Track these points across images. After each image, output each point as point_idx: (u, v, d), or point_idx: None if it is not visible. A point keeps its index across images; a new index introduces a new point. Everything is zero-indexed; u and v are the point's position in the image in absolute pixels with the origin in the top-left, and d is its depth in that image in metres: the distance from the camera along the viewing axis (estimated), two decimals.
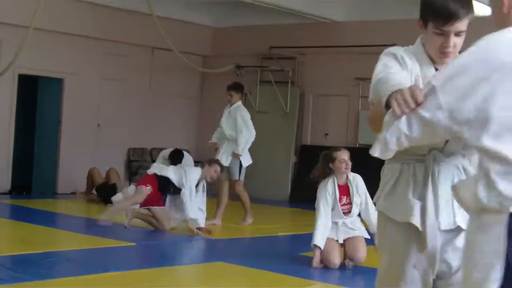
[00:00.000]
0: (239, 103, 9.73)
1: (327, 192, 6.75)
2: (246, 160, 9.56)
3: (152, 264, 6.73)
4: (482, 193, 2.12)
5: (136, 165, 13.75)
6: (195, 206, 8.60)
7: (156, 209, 8.69)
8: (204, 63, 14.87)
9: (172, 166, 9.16)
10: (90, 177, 11.41)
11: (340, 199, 6.80)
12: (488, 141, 2.09)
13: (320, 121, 13.61)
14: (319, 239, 6.65)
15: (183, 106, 14.69)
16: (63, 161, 12.79)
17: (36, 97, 13.14)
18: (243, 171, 9.55)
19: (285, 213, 12.30)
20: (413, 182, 2.93)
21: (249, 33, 14.26)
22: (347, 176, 6.87)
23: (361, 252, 6.73)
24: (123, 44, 13.36)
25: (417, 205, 2.90)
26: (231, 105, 9.71)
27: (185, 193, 8.56)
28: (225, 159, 9.46)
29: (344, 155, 6.78)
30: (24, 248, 6.93)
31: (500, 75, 2.10)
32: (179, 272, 6.53)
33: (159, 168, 9.03)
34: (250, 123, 9.58)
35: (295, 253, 7.65)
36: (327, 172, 6.82)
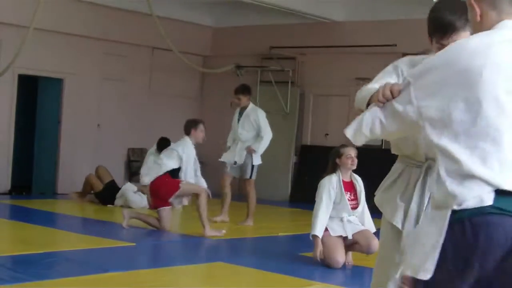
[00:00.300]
0: (252, 104, 9.76)
1: (331, 185, 6.79)
2: (258, 160, 9.63)
3: (152, 264, 6.74)
4: (433, 189, 2.26)
5: (136, 165, 13.73)
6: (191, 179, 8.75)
7: (163, 210, 8.65)
8: (204, 63, 14.87)
9: (162, 155, 8.97)
10: (89, 184, 11.26)
11: (345, 194, 6.84)
12: (445, 141, 2.21)
13: (320, 121, 13.60)
14: (320, 229, 6.67)
15: (183, 106, 14.69)
16: (63, 161, 12.79)
17: (36, 97, 13.14)
18: (255, 170, 9.61)
19: (285, 213, 12.29)
20: (406, 185, 3.03)
21: (249, 33, 14.26)
22: (351, 174, 6.95)
23: (375, 241, 6.71)
24: (123, 44, 13.36)
25: (401, 208, 3.01)
26: (241, 108, 9.70)
27: (182, 175, 8.65)
28: (239, 157, 9.51)
29: (351, 152, 6.86)
30: (24, 248, 6.93)
31: (461, 80, 2.20)
32: (179, 272, 6.53)
33: (156, 168, 8.91)
34: (268, 123, 9.67)
35: (295, 253, 7.64)
36: (334, 168, 6.90)
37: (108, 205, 10.95)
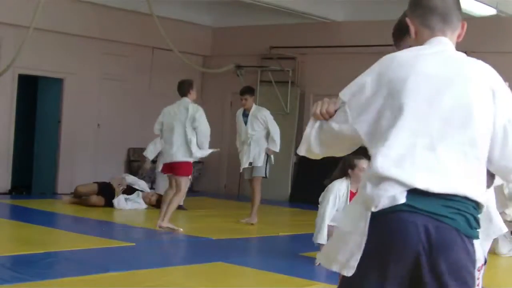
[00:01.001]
0: (254, 105, 9.94)
1: (340, 192, 6.74)
2: (272, 159, 9.83)
3: (152, 264, 6.72)
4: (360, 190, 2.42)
5: (136, 165, 13.73)
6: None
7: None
8: (204, 63, 14.87)
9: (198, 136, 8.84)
10: (92, 204, 10.91)
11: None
12: (373, 149, 2.37)
13: None
14: (326, 237, 6.66)
15: None
16: (63, 161, 12.78)
17: (36, 97, 13.13)
18: (269, 169, 9.78)
19: (285, 213, 12.29)
20: None
21: (249, 33, 14.25)
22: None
23: None
24: (123, 44, 13.35)
25: None
26: (246, 108, 9.80)
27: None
28: (258, 159, 9.65)
29: (365, 165, 6.69)
30: (24, 248, 6.93)
31: (389, 89, 2.36)
32: (179, 272, 6.53)
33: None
34: (274, 120, 9.89)
35: (295, 253, 7.64)
36: (343, 175, 6.84)
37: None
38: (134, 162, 13.78)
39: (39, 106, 13.08)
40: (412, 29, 2.51)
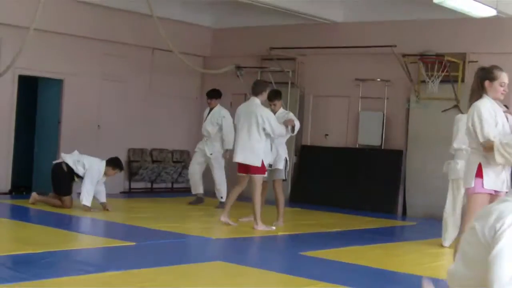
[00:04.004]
0: (282, 108, 9.99)
1: (489, 109, 5.65)
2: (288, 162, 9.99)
3: (152, 264, 6.72)
4: None
5: (136, 165, 13.75)
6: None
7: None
8: (204, 63, 14.88)
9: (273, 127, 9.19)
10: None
11: None
12: None
13: (320, 121, 13.61)
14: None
15: (183, 106, 14.70)
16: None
17: (36, 97, 13.14)
18: (287, 171, 9.97)
19: (285, 213, 12.26)
20: None
21: (249, 34, 14.27)
22: (498, 104, 5.85)
23: None
24: (123, 44, 13.37)
25: None
26: (274, 112, 9.86)
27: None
28: (279, 161, 9.75)
29: (506, 79, 5.77)
30: (24, 248, 6.93)
31: None
32: (179, 272, 6.53)
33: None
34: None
35: (295, 253, 7.65)
36: (480, 92, 5.77)
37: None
38: (134, 162, 13.79)
39: (39, 106, 13.09)
40: None
